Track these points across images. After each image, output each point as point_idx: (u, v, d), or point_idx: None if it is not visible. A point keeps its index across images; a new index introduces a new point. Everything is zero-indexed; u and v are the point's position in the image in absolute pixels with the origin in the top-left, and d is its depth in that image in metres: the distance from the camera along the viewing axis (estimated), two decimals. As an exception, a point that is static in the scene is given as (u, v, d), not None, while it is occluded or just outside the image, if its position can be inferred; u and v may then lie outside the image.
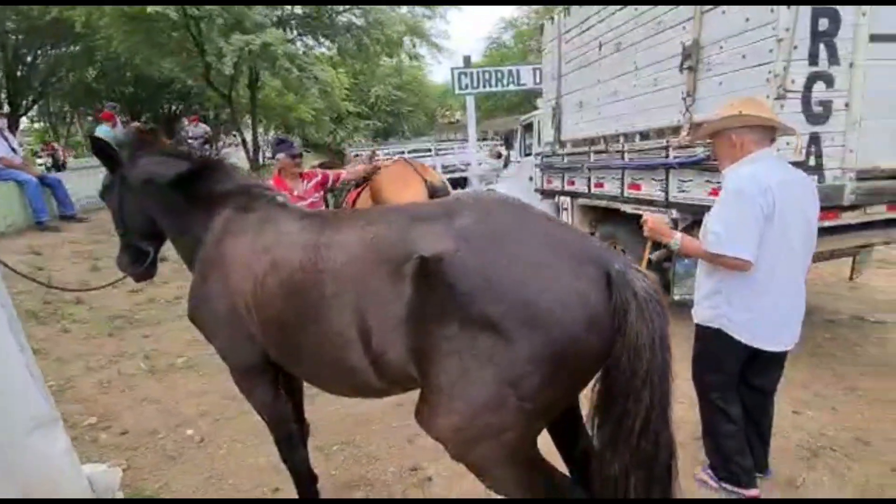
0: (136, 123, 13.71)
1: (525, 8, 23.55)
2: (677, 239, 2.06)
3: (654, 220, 2.15)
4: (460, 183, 9.41)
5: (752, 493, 2.11)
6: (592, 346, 1.18)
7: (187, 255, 1.94)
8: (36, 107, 17.75)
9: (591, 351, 1.19)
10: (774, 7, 2.72)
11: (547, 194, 6.09)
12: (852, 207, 2.96)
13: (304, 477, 1.98)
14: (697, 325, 2.15)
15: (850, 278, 4.15)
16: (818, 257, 3.34)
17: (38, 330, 3.77)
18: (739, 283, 1.96)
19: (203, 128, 16.13)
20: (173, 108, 20.91)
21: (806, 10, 2.69)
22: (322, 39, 11.84)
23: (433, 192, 3.44)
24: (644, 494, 1.23)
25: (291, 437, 1.90)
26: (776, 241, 1.90)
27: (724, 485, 2.18)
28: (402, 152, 17.52)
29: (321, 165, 10.49)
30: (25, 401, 1.69)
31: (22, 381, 1.67)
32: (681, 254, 2.50)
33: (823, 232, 3.08)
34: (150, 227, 2.02)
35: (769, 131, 2.00)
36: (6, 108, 13.80)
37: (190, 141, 15.77)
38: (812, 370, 3.21)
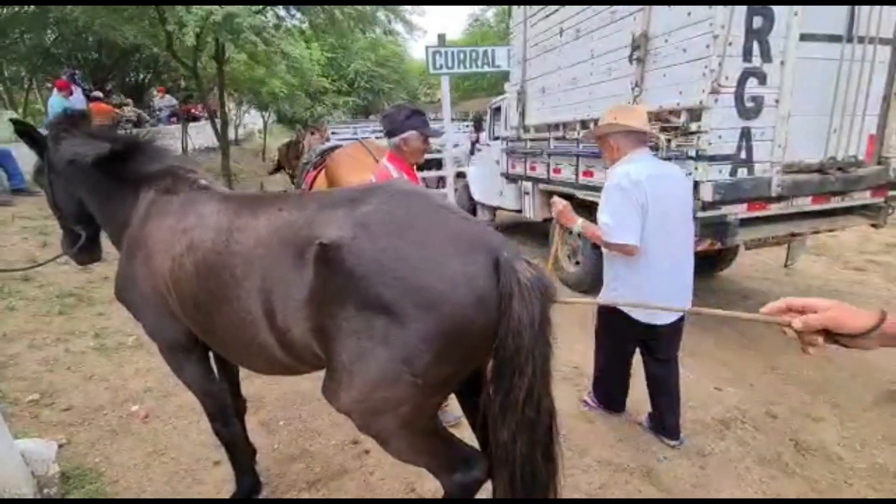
0: (97, 93, 13.15)
1: (508, -13, 23.09)
2: (579, 224, 2.35)
3: (563, 205, 2.40)
4: (435, 164, 9.40)
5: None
6: (479, 326, 1.27)
7: (116, 238, 1.95)
8: (-13, 71, 16.67)
9: (478, 331, 1.27)
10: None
11: (511, 178, 6.19)
12: (779, 199, 3.14)
13: (239, 451, 2.05)
14: (602, 306, 2.52)
15: (785, 265, 4.39)
16: (750, 245, 3.56)
17: (-18, 307, 3.71)
18: (630, 268, 2.26)
19: (170, 99, 15.57)
20: (141, 77, 20.00)
21: (741, 8, 2.79)
22: (294, 11, 11.46)
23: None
24: (529, 455, 1.36)
25: (224, 412, 1.97)
26: (653, 229, 2.16)
27: (601, 407, 2.76)
28: (381, 131, 17.25)
29: (289, 145, 10.22)
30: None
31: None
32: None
33: (753, 222, 3.28)
34: (80, 210, 2.01)
35: (641, 135, 2.28)
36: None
37: (157, 113, 15.24)
38: (738, 350, 3.43)
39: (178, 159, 1.99)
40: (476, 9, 26.80)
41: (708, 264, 4.69)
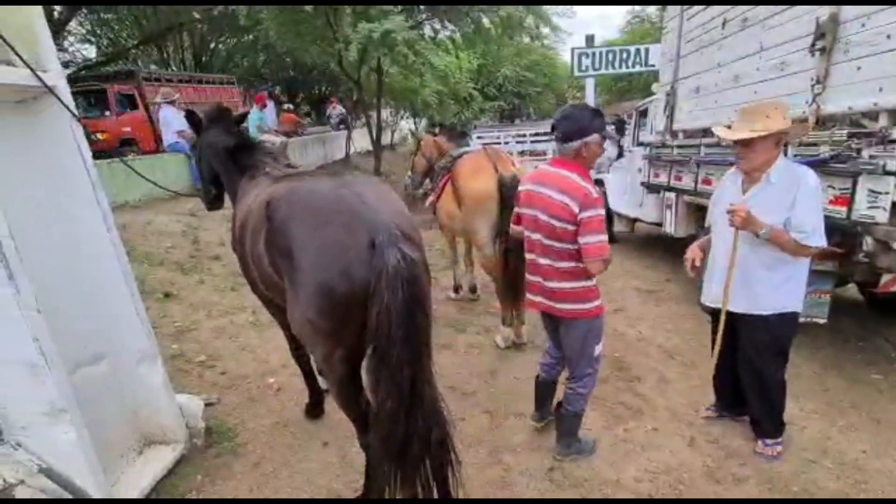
0: (289, 105, 15.71)
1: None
2: (767, 229, 2.11)
3: (747, 210, 2.13)
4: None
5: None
6: (343, 292, 1.56)
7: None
8: (218, 88, 21.08)
9: (343, 295, 1.57)
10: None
11: (652, 188, 5.60)
12: None
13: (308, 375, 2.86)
14: (768, 316, 2.26)
15: None
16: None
17: (182, 278, 4.67)
18: (800, 267, 2.23)
19: (339, 109, 17.77)
20: (323, 90, 23.36)
21: None
22: (447, 23, 12.05)
23: (501, 184, 3.38)
24: (403, 423, 1.59)
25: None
26: None
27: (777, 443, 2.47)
28: (524, 135, 17.15)
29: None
30: (134, 337, 2.20)
31: (132, 321, 2.17)
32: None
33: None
34: (213, 176, 2.78)
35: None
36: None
37: (329, 120, 17.57)
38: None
39: (269, 156, 2.56)
40: (637, 6, 25.06)
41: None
